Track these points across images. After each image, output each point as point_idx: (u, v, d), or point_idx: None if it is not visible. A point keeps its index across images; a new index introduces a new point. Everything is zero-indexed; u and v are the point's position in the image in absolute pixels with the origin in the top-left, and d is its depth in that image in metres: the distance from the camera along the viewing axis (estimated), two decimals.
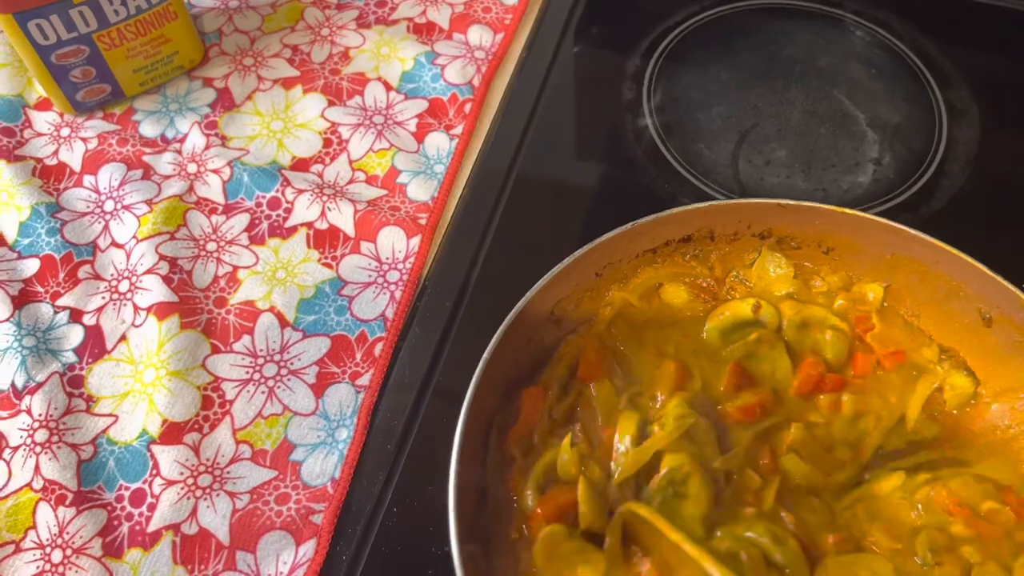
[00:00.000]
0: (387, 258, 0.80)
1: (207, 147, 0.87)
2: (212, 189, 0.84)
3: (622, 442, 0.60)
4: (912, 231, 0.64)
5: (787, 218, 0.68)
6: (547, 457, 0.61)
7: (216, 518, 0.66)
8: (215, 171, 0.85)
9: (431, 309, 0.77)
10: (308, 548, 0.65)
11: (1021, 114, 0.91)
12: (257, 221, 0.82)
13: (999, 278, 0.62)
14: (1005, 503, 0.59)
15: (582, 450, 0.61)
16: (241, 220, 0.82)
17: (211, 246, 0.81)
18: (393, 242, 0.80)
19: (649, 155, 0.88)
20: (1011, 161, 0.87)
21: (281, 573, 0.64)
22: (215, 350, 0.74)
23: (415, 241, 0.80)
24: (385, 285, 0.78)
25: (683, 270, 0.70)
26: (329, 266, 0.80)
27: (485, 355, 0.59)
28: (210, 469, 0.68)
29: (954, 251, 0.63)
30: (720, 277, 0.70)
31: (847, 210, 0.65)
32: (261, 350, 0.74)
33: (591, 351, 0.65)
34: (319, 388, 0.73)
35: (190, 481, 0.67)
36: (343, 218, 0.81)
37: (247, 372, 0.73)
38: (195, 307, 0.76)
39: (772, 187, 0.85)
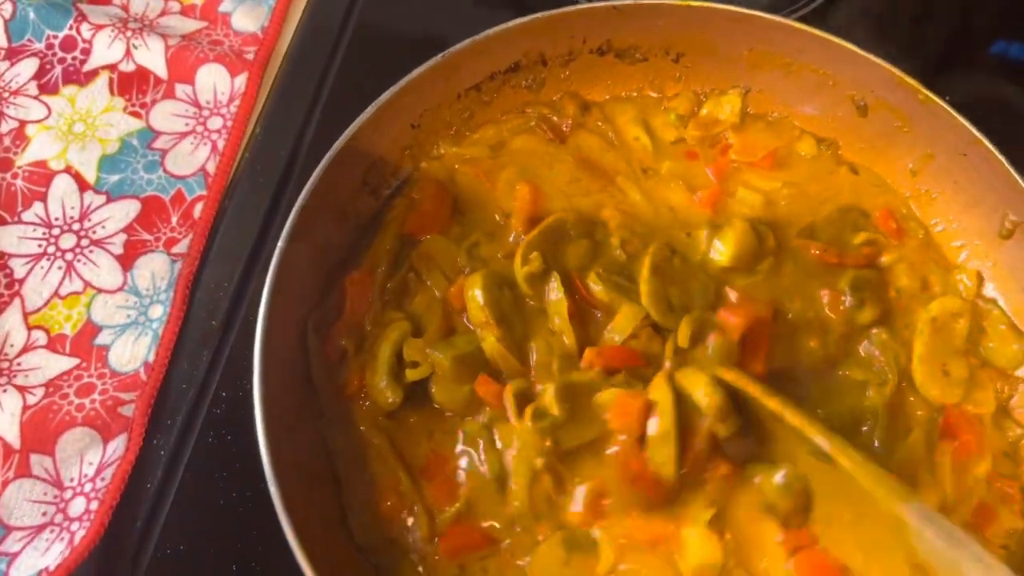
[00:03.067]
0: (207, 102, 0.66)
1: None
2: None
3: (473, 298, 0.51)
4: (770, 16, 0.55)
5: (627, 25, 0.57)
6: (391, 337, 0.51)
7: (3, 417, 0.55)
8: None
9: (263, 160, 0.64)
10: (118, 444, 0.55)
11: None
12: (48, 66, 0.68)
13: (871, 56, 0.54)
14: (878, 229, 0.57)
15: (430, 334, 0.52)
16: (28, 66, 0.68)
17: None
18: (215, 82, 0.67)
19: None
20: None
21: (86, 475, 0.54)
22: (0, 221, 0.61)
23: (241, 80, 0.67)
24: (205, 134, 0.65)
25: (523, 120, 0.60)
26: (137, 115, 0.66)
27: (280, 244, 0.48)
28: None
29: (820, 33, 0.55)
30: (573, 115, 0.60)
31: (692, 3, 0.55)
32: (56, 219, 0.62)
33: (427, 201, 0.55)
34: (127, 260, 0.61)
35: None
36: (153, 57, 0.67)
37: (40, 246, 0.61)
38: None
39: None
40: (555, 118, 0.60)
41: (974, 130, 0.52)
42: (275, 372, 0.47)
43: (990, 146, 0.51)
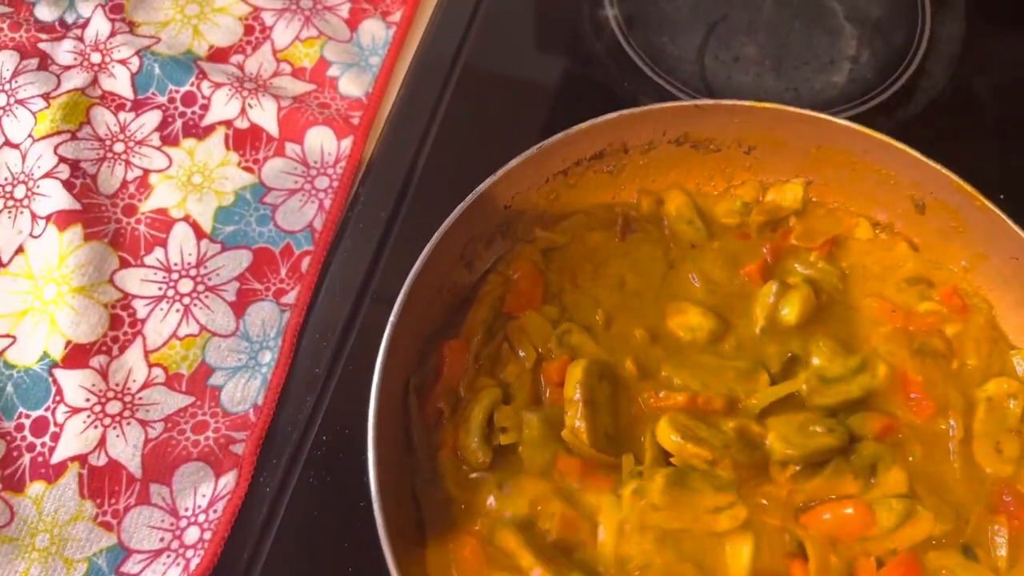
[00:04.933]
0: (315, 162, 0.72)
1: (112, 34, 0.77)
2: (119, 82, 0.75)
3: (572, 377, 0.55)
4: (837, 120, 0.61)
5: (705, 120, 0.63)
6: (483, 402, 0.56)
7: (127, 448, 0.61)
8: (122, 62, 0.76)
9: (364, 220, 0.70)
10: (228, 480, 0.60)
11: (1009, 7, 0.84)
12: (170, 119, 0.74)
13: (931, 162, 0.59)
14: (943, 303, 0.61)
15: (519, 402, 0.57)
16: (152, 118, 0.74)
17: (118, 147, 0.72)
18: (322, 143, 0.72)
19: (609, 49, 0.80)
20: (997, 60, 0.81)
21: (199, 506, 0.59)
22: (124, 264, 0.67)
23: (346, 143, 0.72)
24: (313, 192, 0.71)
25: (612, 216, 0.64)
26: (250, 170, 0.72)
27: (392, 316, 0.53)
28: (120, 395, 0.62)
29: (884, 138, 0.60)
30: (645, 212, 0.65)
31: (767, 104, 0.61)
32: (175, 264, 0.68)
33: (523, 281, 0.60)
34: (240, 306, 0.66)
35: (97, 408, 0.62)
36: (266, 116, 0.73)
37: (160, 288, 0.67)
38: (101, 216, 0.69)
39: (740, 86, 0.78)
40: (634, 213, 0.65)
41: None
42: (383, 430, 0.52)
43: None
